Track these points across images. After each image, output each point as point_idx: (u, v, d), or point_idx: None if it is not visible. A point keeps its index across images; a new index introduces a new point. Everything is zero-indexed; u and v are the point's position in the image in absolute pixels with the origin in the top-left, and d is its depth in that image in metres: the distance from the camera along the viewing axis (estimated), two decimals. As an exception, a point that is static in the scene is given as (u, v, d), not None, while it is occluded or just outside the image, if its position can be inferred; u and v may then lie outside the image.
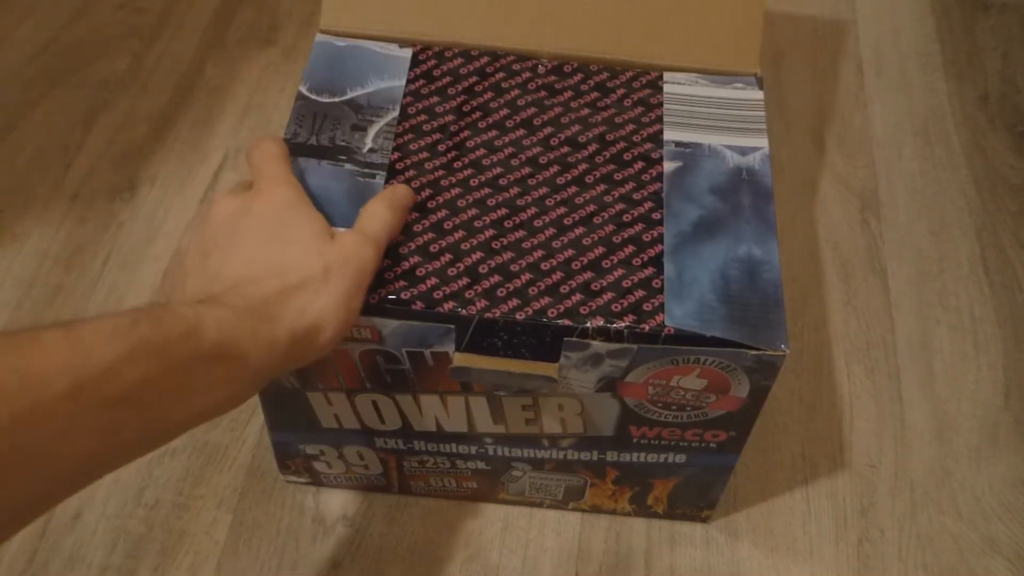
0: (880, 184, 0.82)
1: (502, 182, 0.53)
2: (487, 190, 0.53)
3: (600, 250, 0.51)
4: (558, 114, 0.57)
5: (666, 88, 0.58)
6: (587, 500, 0.62)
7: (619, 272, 0.50)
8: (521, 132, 0.56)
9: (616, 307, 0.48)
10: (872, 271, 0.76)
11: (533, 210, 0.52)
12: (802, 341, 0.72)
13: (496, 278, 0.49)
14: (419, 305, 0.48)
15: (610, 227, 0.52)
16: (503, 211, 0.52)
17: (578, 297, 0.49)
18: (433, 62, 0.59)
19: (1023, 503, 0.65)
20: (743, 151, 0.55)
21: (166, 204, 0.78)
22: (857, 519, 0.64)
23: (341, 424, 0.57)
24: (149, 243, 0.76)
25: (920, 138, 0.86)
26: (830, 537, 0.63)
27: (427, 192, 0.52)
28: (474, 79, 0.58)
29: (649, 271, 0.50)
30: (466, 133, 0.55)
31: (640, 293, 0.49)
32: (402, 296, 0.48)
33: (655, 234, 0.51)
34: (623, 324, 0.48)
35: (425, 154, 0.54)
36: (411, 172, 0.53)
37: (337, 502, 0.63)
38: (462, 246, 0.50)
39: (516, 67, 0.59)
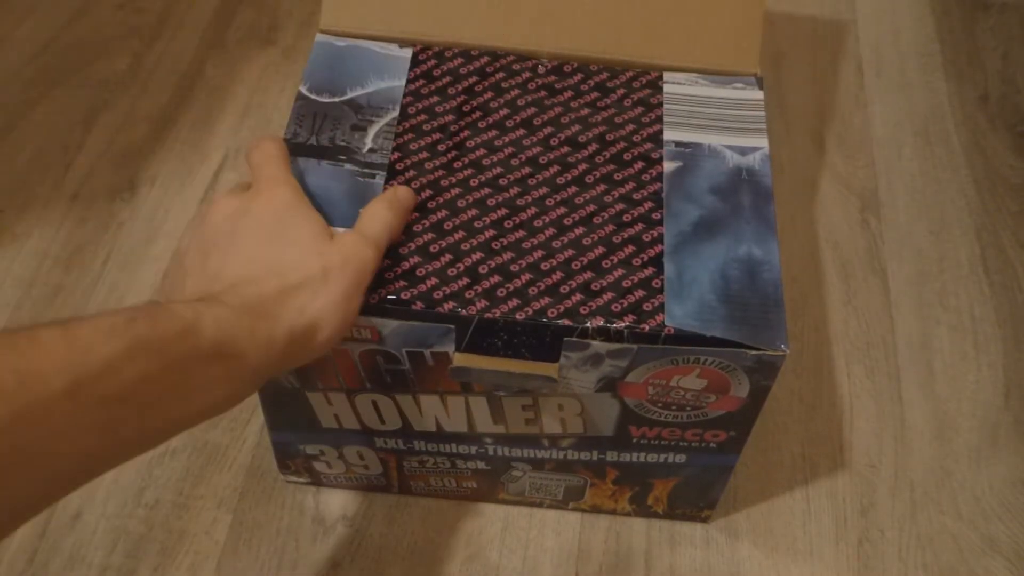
0: (880, 184, 0.82)
1: (502, 182, 0.53)
2: (487, 190, 0.53)
3: (600, 250, 0.51)
4: (558, 114, 0.57)
5: (666, 88, 0.58)
6: (587, 500, 0.62)
7: (619, 272, 0.50)
8: (521, 132, 0.56)
9: (616, 307, 0.48)
10: (872, 271, 0.76)
11: (533, 210, 0.52)
12: (802, 341, 0.72)
13: (496, 278, 0.49)
14: (419, 305, 0.48)
15: (610, 227, 0.52)
16: (503, 211, 0.52)
17: (578, 297, 0.49)
18: (433, 62, 0.59)
19: (1023, 503, 0.65)
20: (743, 151, 0.55)
21: (166, 204, 0.78)
22: (857, 519, 0.64)
23: (341, 424, 0.57)
24: (149, 243, 0.76)
25: (920, 138, 0.86)
26: (830, 537, 0.63)
27: (427, 192, 0.52)
28: (474, 79, 0.58)
29: (649, 271, 0.50)
30: (466, 133, 0.55)
31: (640, 293, 0.49)
32: (402, 296, 0.48)
33: (655, 234, 0.51)
34: (623, 324, 0.48)
35: (425, 154, 0.54)
36: (411, 172, 0.53)
37: (337, 502, 0.63)
38: (462, 246, 0.50)
39: (516, 67, 0.59)
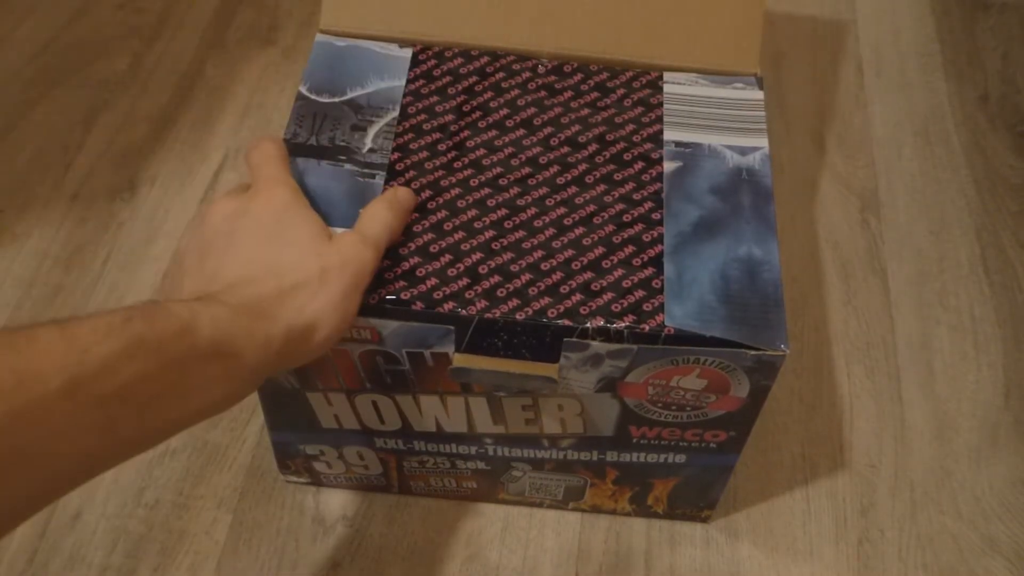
0: (880, 184, 0.82)
1: (502, 182, 0.53)
2: (487, 190, 0.53)
3: (600, 250, 0.51)
4: (558, 114, 0.57)
5: (666, 88, 0.58)
6: (587, 500, 0.62)
7: (619, 272, 0.50)
8: (521, 132, 0.56)
9: (616, 307, 0.48)
10: (872, 271, 0.76)
11: (533, 210, 0.52)
12: (802, 341, 0.72)
13: (496, 278, 0.49)
14: (419, 305, 0.48)
15: (610, 227, 0.52)
16: (503, 211, 0.52)
17: (578, 297, 0.49)
18: (433, 62, 0.59)
19: (1023, 503, 0.65)
20: (743, 151, 0.55)
21: (166, 204, 0.78)
22: (857, 519, 0.64)
23: (341, 424, 0.57)
24: (149, 243, 0.76)
25: (920, 138, 0.86)
26: (830, 537, 0.63)
27: (427, 192, 0.52)
28: (474, 79, 0.58)
29: (649, 271, 0.50)
30: (466, 133, 0.55)
31: (640, 293, 0.49)
32: (402, 296, 0.48)
33: (655, 234, 0.51)
34: (623, 324, 0.48)
35: (425, 154, 0.54)
36: (411, 172, 0.53)
37: (337, 502, 0.63)
38: (462, 246, 0.50)
39: (516, 67, 0.59)
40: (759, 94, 0.58)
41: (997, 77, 0.91)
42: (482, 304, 0.48)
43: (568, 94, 0.58)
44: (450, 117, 0.56)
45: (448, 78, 0.58)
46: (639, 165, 0.54)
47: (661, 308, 0.48)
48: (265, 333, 0.41)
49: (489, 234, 0.51)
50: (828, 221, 0.79)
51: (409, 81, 0.58)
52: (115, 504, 0.62)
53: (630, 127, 0.56)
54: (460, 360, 0.50)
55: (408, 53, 0.59)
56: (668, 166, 0.55)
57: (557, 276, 0.49)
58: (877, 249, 0.78)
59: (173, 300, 0.40)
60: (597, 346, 0.49)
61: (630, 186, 0.53)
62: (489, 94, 0.57)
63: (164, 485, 0.63)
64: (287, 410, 0.57)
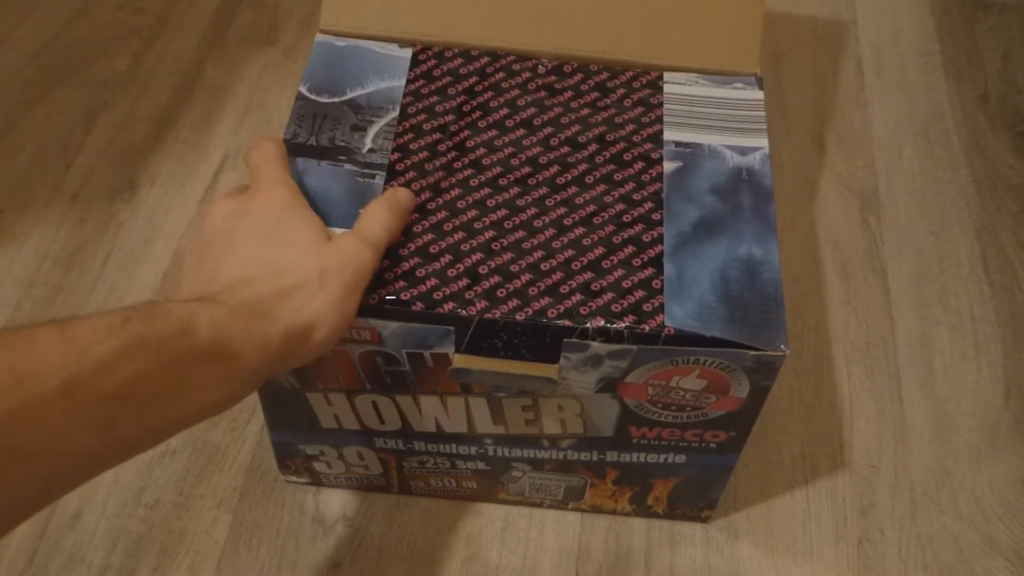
0: (880, 184, 0.82)
1: (502, 182, 0.53)
2: (487, 190, 0.53)
3: (600, 250, 0.51)
4: (558, 114, 0.57)
5: (666, 88, 0.58)
6: (587, 500, 0.62)
7: (619, 272, 0.50)
8: (521, 132, 0.56)
9: (616, 307, 0.48)
10: (872, 271, 0.76)
11: (533, 210, 0.52)
12: (802, 341, 0.72)
13: (496, 279, 0.49)
14: (419, 306, 0.48)
15: (610, 227, 0.51)
16: (503, 211, 0.52)
17: (578, 297, 0.49)
18: (433, 62, 0.59)
19: (1023, 503, 0.65)
20: (743, 151, 0.55)
21: (166, 204, 0.78)
22: (857, 519, 0.64)
23: (341, 424, 0.57)
24: (149, 243, 0.76)
25: (920, 138, 0.86)
26: (830, 537, 0.63)
27: (427, 193, 0.52)
28: (474, 79, 0.58)
29: (649, 271, 0.50)
30: (466, 133, 0.55)
31: (640, 293, 0.49)
32: (402, 297, 0.48)
33: (655, 234, 0.51)
34: (623, 324, 0.48)
35: (425, 154, 0.54)
36: (411, 173, 0.53)
37: (337, 502, 0.63)
38: (462, 247, 0.50)
39: (516, 67, 0.59)
40: (759, 94, 0.58)
41: (997, 77, 0.91)
42: (482, 304, 0.48)
43: (568, 94, 0.58)
44: (450, 117, 0.56)
45: (448, 78, 0.58)
46: (639, 165, 0.54)
47: (661, 308, 0.48)
48: (264, 333, 0.41)
49: (489, 234, 0.51)
50: (828, 221, 0.79)
51: (409, 81, 0.58)
52: (115, 504, 0.62)
53: (630, 127, 0.56)
54: (460, 361, 0.50)
55: (408, 53, 0.59)
56: (668, 166, 0.55)
57: (557, 276, 0.49)
58: (877, 249, 0.78)
59: (172, 300, 0.40)
60: (597, 346, 0.49)
61: (630, 186, 0.53)
62: (489, 94, 0.57)
63: (164, 485, 0.63)
64: (287, 410, 0.57)
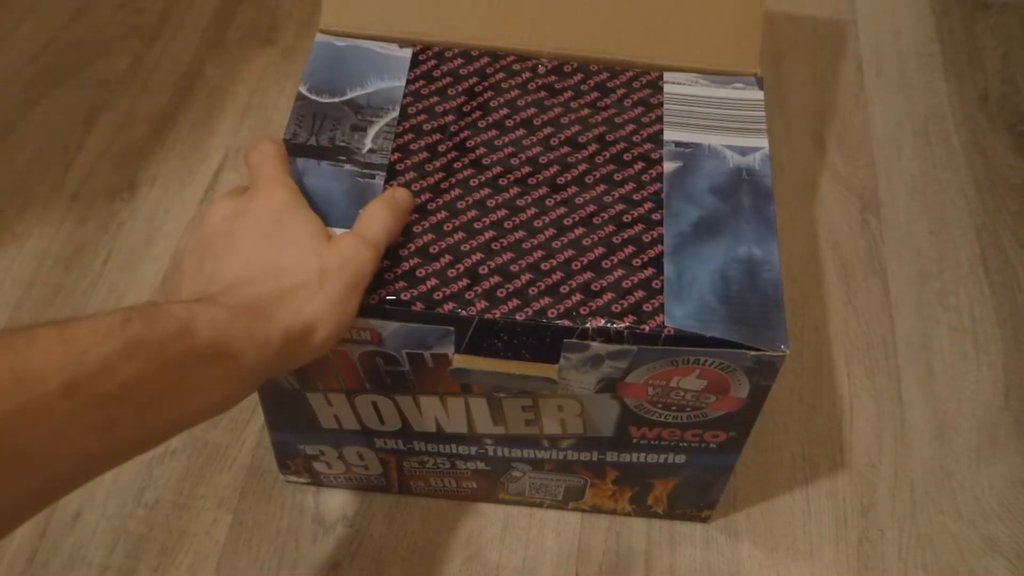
0: (880, 184, 0.82)
1: (502, 182, 0.53)
2: (487, 190, 0.53)
3: (600, 250, 0.51)
4: (558, 114, 0.57)
5: (666, 88, 0.58)
6: (587, 500, 0.62)
7: (619, 272, 0.50)
8: (521, 132, 0.56)
9: (616, 307, 0.48)
10: (872, 271, 0.76)
11: (533, 210, 0.52)
12: (802, 341, 0.72)
13: (496, 279, 0.49)
14: (419, 306, 0.48)
15: (610, 227, 0.52)
16: (503, 211, 0.52)
17: (578, 297, 0.49)
18: (433, 62, 0.59)
19: (1023, 503, 0.65)
20: (743, 151, 0.55)
21: (166, 204, 0.78)
22: (857, 519, 0.64)
23: (341, 425, 0.57)
24: (149, 243, 0.76)
25: (920, 138, 0.86)
26: (830, 537, 0.63)
27: (427, 193, 0.52)
28: (474, 79, 0.58)
29: (649, 272, 0.50)
30: (466, 133, 0.55)
31: (640, 294, 0.49)
32: (402, 297, 0.48)
33: (655, 235, 0.51)
34: (623, 325, 0.48)
35: (425, 154, 0.54)
36: (411, 173, 0.53)
37: (337, 502, 0.63)
38: (462, 247, 0.50)
39: (516, 67, 0.59)
40: (759, 94, 0.58)
41: (997, 77, 0.91)
42: (482, 304, 0.48)
43: (568, 94, 0.58)
44: (450, 117, 0.56)
45: (448, 78, 0.58)
46: (639, 165, 0.54)
47: (661, 308, 0.48)
48: (264, 334, 0.41)
49: (489, 234, 0.51)
50: (828, 221, 0.79)
51: (409, 81, 0.58)
52: (115, 504, 0.62)
53: (630, 127, 0.56)
54: (460, 361, 0.50)
55: (408, 53, 0.59)
56: (668, 166, 0.55)
57: (557, 276, 0.49)
58: (877, 249, 0.78)
59: (172, 301, 0.40)
60: (597, 347, 0.49)
61: (630, 186, 0.53)
62: (489, 94, 0.57)
63: (164, 485, 0.63)
64: (287, 410, 0.57)
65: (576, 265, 0.50)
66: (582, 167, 0.54)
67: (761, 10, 0.58)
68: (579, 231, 0.51)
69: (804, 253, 0.77)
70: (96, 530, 0.61)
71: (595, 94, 0.58)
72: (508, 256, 0.50)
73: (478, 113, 0.56)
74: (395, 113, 0.56)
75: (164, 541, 0.61)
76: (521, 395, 0.53)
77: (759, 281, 0.50)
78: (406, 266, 0.49)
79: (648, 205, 0.53)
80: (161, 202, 0.78)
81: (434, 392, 0.53)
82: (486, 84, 0.58)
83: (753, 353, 0.48)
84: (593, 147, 0.55)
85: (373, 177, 0.53)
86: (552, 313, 0.48)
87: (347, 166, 0.53)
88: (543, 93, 0.58)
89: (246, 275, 0.43)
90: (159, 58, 0.89)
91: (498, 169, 0.54)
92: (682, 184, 0.54)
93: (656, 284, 0.49)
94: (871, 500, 0.64)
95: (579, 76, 0.59)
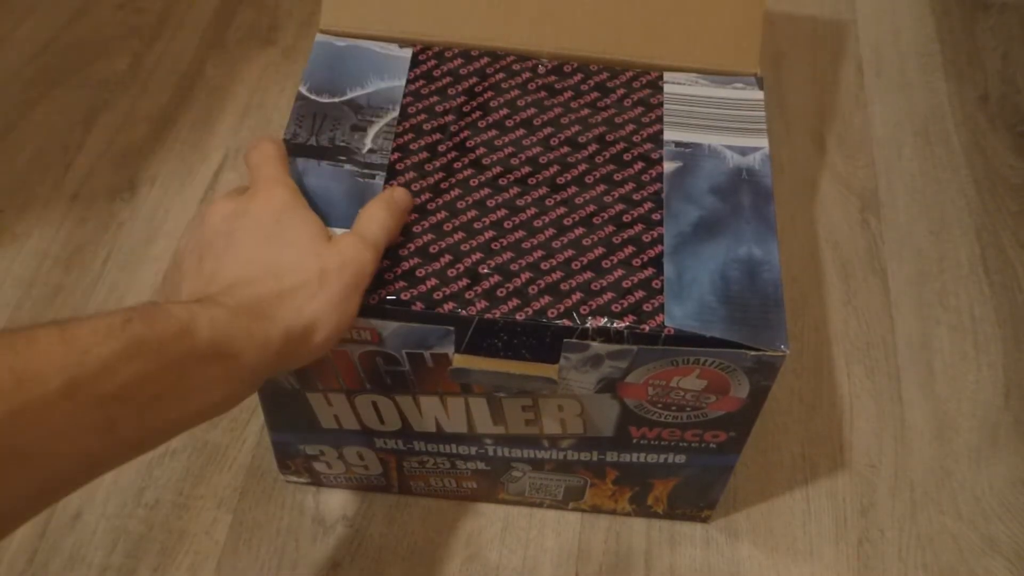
0: (880, 184, 0.82)
1: (502, 182, 0.53)
2: (487, 190, 0.53)
3: (600, 250, 0.51)
4: (558, 114, 0.57)
5: (666, 88, 0.58)
6: (587, 500, 0.62)
7: (619, 272, 0.50)
8: (521, 132, 0.56)
9: (616, 307, 0.48)
10: (872, 271, 0.76)
11: (533, 210, 0.52)
12: (802, 341, 0.72)
13: (496, 278, 0.49)
14: (419, 306, 0.48)
15: (610, 227, 0.52)
16: (503, 211, 0.52)
17: (578, 296, 0.49)
18: (433, 62, 0.59)
19: (1023, 503, 0.65)
20: (743, 151, 0.55)
21: (166, 204, 0.78)
22: (857, 519, 0.64)
23: (341, 425, 0.57)
24: (149, 243, 0.76)
25: (920, 138, 0.86)
26: (830, 537, 0.63)
27: (427, 193, 0.52)
28: (474, 79, 0.58)
29: (649, 271, 0.50)
30: (466, 133, 0.55)
31: (640, 294, 0.49)
32: (402, 297, 0.48)
33: (655, 234, 0.51)
34: (623, 324, 0.48)
35: (425, 154, 0.54)
36: (411, 173, 0.53)
37: (337, 502, 0.63)
38: (462, 247, 0.50)
39: (516, 67, 0.59)
40: (759, 94, 0.58)
41: (997, 77, 0.91)
42: (482, 304, 0.48)
43: (568, 94, 0.58)
44: (450, 117, 0.56)
45: (448, 78, 0.58)
46: (639, 165, 0.54)
47: (661, 308, 0.48)
48: (264, 334, 0.41)
49: (489, 234, 0.51)
50: (828, 221, 0.79)
51: (409, 81, 0.58)
52: (115, 504, 0.62)
53: (630, 127, 0.56)
54: (460, 361, 0.50)
55: (408, 53, 0.59)
56: (668, 166, 0.55)
57: (557, 276, 0.49)
58: (877, 249, 0.78)
59: (172, 302, 0.40)
60: (597, 346, 0.49)
61: (630, 186, 0.53)
62: (489, 94, 0.57)
63: (164, 485, 0.63)
64: (287, 410, 0.57)
65: (576, 265, 0.50)
66: (582, 167, 0.54)
67: (761, 10, 0.58)
68: (579, 231, 0.51)
69: (804, 253, 0.77)
70: (96, 530, 0.61)
71: (595, 94, 0.58)
72: (508, 256, 0.50)
73: (478, 113, 0.56)
74: (395, 113, 0.56)
75: (164, 541, 0.61)
76: (521, 395, 0.53)
77: (759, 281, 0.50)
78: (406, 266, 0.49)
79: (648, 205, 0.53)
80: (161, 202, 0.78)
81: (434, 392, 0.53)
82: (486, 84, 0.58)
83: (753, 353, 0.48)
84: (593, 147, 0.55)
85: (373, 177, 0.53)
86: (552, 313, 0.48)
87: (347, 166, 0.53)
88: (543, 93, 0.58)
89: (246, 275, 0.43)
90: (159, 58, 0.89)
91: (498, 169, 0.54)
92: (682, 184, 0.54)
93: (656, 284, 0.49)
94: (871, 500, 0.64)
95: (579, 76, 0.59)
